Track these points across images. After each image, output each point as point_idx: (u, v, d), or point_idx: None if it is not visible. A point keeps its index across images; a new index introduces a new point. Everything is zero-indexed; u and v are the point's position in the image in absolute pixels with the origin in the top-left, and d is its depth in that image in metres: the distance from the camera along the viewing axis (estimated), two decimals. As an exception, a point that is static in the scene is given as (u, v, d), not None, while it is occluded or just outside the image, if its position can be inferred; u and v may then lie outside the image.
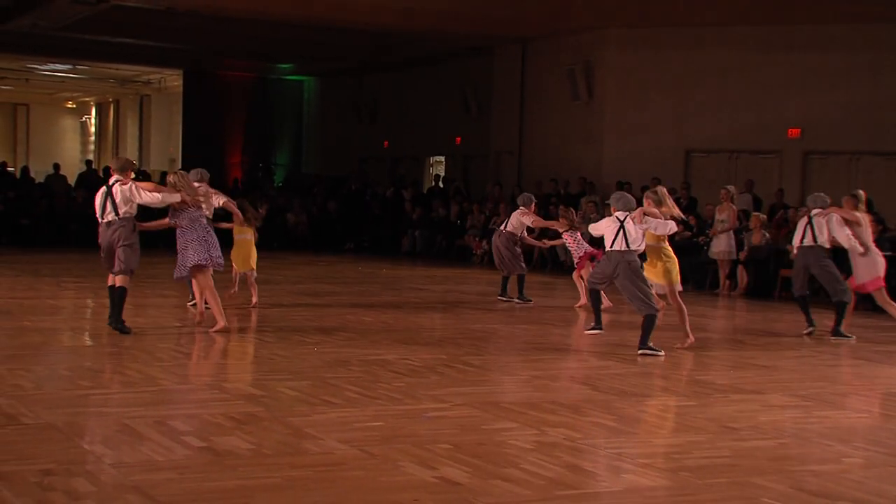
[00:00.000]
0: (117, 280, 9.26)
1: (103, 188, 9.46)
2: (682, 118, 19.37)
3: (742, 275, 15.57)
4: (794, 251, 11.00)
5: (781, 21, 18.27)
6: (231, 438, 5.37)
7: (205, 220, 9.67)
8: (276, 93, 29.53)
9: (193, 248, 9.41)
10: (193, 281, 9.89)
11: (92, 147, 39.46)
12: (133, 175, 9.53)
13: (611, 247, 9.23)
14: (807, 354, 9.61)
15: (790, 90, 18.38)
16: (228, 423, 5.72)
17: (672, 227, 9.36)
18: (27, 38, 23.13)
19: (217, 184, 25.07)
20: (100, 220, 9.39)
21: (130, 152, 36.01)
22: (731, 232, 15.42)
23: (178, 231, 9.53)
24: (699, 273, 16.01)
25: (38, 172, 26.64)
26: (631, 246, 9.12)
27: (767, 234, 15.72)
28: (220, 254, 9.61)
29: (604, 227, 9.31)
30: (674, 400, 7.06)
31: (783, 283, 15.28)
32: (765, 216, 16.24)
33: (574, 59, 20.15)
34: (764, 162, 18.93)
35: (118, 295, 9.26)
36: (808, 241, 10.62)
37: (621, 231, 9.13)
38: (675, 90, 19.31)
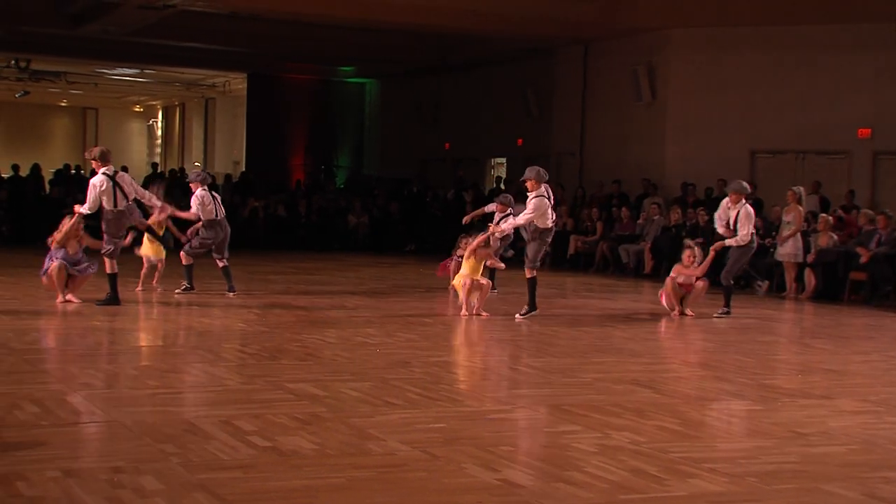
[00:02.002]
0: (114, 265, 10.91)
1: (104, 178, 10.56)
2: (747, 118, 19.09)
3: (810, 278, 15.28)
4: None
5: (849, 19, 17.90)
6: (295, 438, 5.41)
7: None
8: (338, 95, 29.75)
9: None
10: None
11: (158, 150, 40.15)
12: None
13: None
14: (877, 359, 9.40)
15: (860, 89, 17.99)
16: (292, 423, 5.76)
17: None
18: (97, 43, 23.65)
19: (280, 185, 25.57)
20: (110, 209, 10.55)
21: (196, 155, 36.56)
22: (798, 234, 15.15)
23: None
24: (766, 275, 15.74)
25: (107, 175, 27.10)
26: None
27: (835, 237, 15.42)
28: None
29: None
30: (740, 404, 6.95)
31: (852, 286, 14.98)
32: (832, 218, 15.94)
33: (637, 60, 19.99)
34: (832, 163, 18.56)
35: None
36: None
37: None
38: (740, 90, 19.03)
